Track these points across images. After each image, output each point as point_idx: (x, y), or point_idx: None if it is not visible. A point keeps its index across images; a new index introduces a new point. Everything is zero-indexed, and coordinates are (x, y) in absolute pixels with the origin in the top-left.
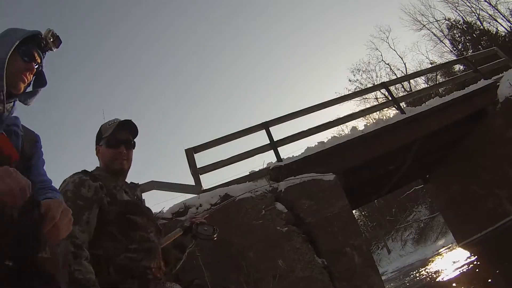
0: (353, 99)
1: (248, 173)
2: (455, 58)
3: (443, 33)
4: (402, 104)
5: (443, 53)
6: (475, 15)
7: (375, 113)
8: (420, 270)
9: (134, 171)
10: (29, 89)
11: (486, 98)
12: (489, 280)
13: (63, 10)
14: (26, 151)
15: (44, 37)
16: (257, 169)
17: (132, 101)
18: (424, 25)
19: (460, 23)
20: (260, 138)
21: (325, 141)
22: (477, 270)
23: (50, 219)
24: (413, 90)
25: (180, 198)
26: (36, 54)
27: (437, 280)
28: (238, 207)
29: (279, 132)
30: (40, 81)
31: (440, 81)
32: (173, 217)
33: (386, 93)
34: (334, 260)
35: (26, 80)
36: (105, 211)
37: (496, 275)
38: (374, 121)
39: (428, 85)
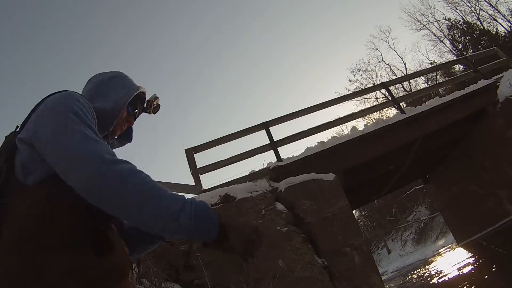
0: (353, 99)
1: (248, 173)
2: (455, 58)
3: (443, 33)
4: (402, 104)
5: (443, 53)
6: (475, 15)
7: (375, 113)
8: (420, 270)
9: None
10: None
11: (486, 98)
12: (489, 280)
13: (63, 10)
14: None
15: (150, 100)
16: (257, 169)
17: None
18: (424, 25)
19: (460, 23)
20: (260, 138)
21: (325, 141)
22: (477, 270)
23: None
24: (413, 90)
25: None
26: (138, 111)
27: (437, 280)
28: (238, 207)
29: (279, 132)
30: (127, 135)
31: (440, 81)
32: None
33: (386, 93)
34: (334, 260)
35: (122, 130)
36: None
37: (496, 275)
38: (374, 121)
39: (428, 85)
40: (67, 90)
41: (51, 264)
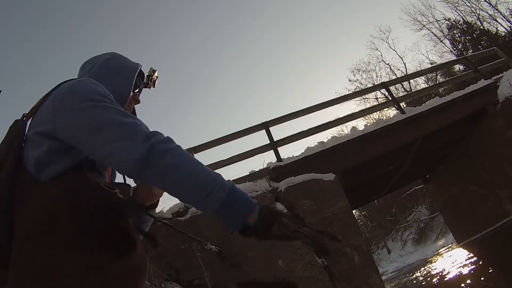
0: (353, 99)
1: (248, 173)
2: (455, 58)
3: (443, 33)
4: (402, 104)
5: (443, 53)
6: (475, 15)
7: (375, 113)
8: (420, 270)
9: None
10: None
11: (486, 98)
12: (489, 280)
13: (63, 10)
14: None
15: (150, 75)
16: (257, 169)
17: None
18: (424, 25)
19: (460, 23)
20: (260, 138)
21: (325, 141)
22: (476, 270)
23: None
24: (413, 90)
25: None
26: (141, 87)
27: (437, 280)
28: None
29: (279, 132)
30: (134, 114)
31: (440, 81)
32: (173, 217)
33: (386, 93)
34: (334, 260)
35: (131, 110)
36: None
37: (496, 275)
38: (374, 121)
39: (428, 85)
40: (75, 78)
41: (70, 264)
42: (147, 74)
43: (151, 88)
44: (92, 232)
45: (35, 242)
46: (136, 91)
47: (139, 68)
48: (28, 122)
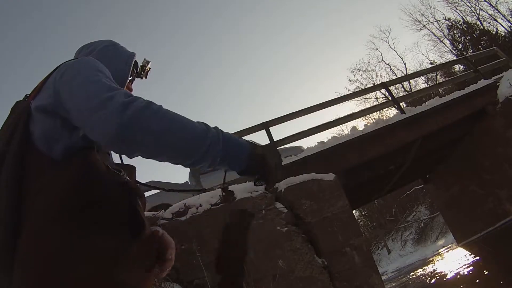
0: (353, 99)
1: None
2: (455, 58)
3: (443, 33)
4: (402, 104)
5: (443, 53)
6: (475, 15)
7: (375, 113)
8: (420, 270)
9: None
10: None
11: (486, 98)
12: (489, 280)
13: (71, 7)
14: None
15: (144, 65)
16: None
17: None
18: (424, 25)
19: (460, 23)
20: (260, 138)
21: (325, 141)
22: (477, 270)
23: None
24: (413, 90)
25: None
26: (133, 77)
27: (437, 280)
28: (238, 207)
29: (279, 132)
30: None
31: (440, 81)
32: (173, 217)
33: (386, 93)
34: (334, 260)
35: None
36: None
37: (496, 275)
38: (374, 121)
39: (428, 85)
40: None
41: (93, 247)
42: (141, 64)
43: (143, 78)
44: (112, 214)
45: (59, 224)
46: (130, 79)
47: (135, 56)
48: (32, 102)
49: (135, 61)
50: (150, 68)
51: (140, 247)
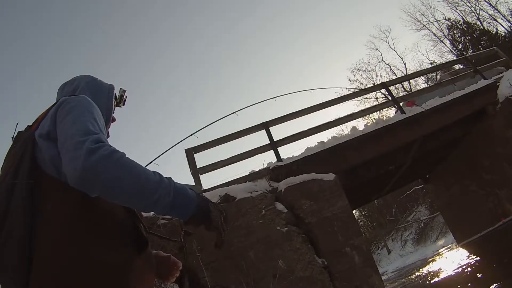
0: (353, 99)
1: (248, 173)
2: (455, 58)
3: (443, 33)
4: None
5: (443, 53)
6: (475, 15)
7: (375, 113)
8: (420, 270)
9: None
10: None
11: (486, 98)
12: (489, 280)
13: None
14: None
15: (122, 95)
16: (257, 169)
17: (132, 100)
18: (424, 25)
19: (460, 23)
20: (260, 138)
21: (325, 141)
22: (476, 270)
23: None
24: (413, 90)
25: None
26: (114, 107)
27: (437, 280)
28: (238, 207)
29: (279, 132)
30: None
31: (440, 81)
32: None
33: (386, 93)
34: (334, 260)
35: (109, 128)
36: None
37: (496, 275)
38: (374, 121)
39: (428, 85)
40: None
41: (99, 262)
42: (119, 94)
43: (122, 106)
44: (117, 232)
45: (70, 241)
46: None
47: (112, 89)
48: (36, 131)
49: (114, 92)
50: (126, 96)
51: (144, 262)
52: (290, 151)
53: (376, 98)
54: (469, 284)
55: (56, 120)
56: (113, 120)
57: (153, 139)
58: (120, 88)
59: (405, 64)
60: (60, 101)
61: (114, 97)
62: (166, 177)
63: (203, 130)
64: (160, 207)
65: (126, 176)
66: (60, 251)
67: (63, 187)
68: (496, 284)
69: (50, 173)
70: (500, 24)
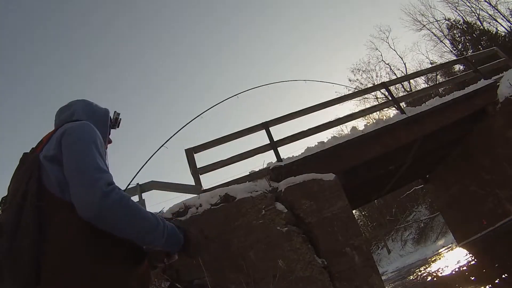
0: (353, 99)
1: (248, 173)
2: (455, 58)
3: (443, 33)
4: (402, 104)
5: (443, 53)
6: (475, 15)
7: (375, 113)
8: (420, 270)
9: (134, 171)
10: None
11: (486, 98)
12: (489, 280)
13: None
14: None
15: (116, 118)
16: (257, 169)
17: (132, 101)
18: (424, 25)
19: (460, 23)
20: (260, 138)
21: (325, 141)
22: (476, 270)
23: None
24: (413, 90)
25: (180, 198)
26: (110, 129)
27: (437, 280)
28: (238, 207)
29: (279, 132)
30: None
31: (440, 81)
32: (173, 217)
33: (386, 93)
34: (334, 260)
35: (106, 148)
36: None
37: (496, 275)
38: (374, 121)
39: (428, 85)
40: (83, 121)
41: (102, 274)
42: (114, 117)
43: (116, 128)
44: (118, 246)
45: (75, 254)
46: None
47: (108, 114)
48: (40, 154)
49: (110, 116)
50: (121, 119)
51: (143, 271)
52: (290, 151)
53: (376, 98)
54: (469, 284)
55: (61, 145)
56: (109, 141)
57: (168, 123)
58: (115, 112)
59: (405, 64)
60: (65, 127)
61: (110, 120)
62: (160, 218)
63: (202, 130)
64: (155, 242)
65: (132, 218)
66: (66, 264)
67: (67, 206)
68: (496, 283)
69: (54, 193)
70: (500, 24)
